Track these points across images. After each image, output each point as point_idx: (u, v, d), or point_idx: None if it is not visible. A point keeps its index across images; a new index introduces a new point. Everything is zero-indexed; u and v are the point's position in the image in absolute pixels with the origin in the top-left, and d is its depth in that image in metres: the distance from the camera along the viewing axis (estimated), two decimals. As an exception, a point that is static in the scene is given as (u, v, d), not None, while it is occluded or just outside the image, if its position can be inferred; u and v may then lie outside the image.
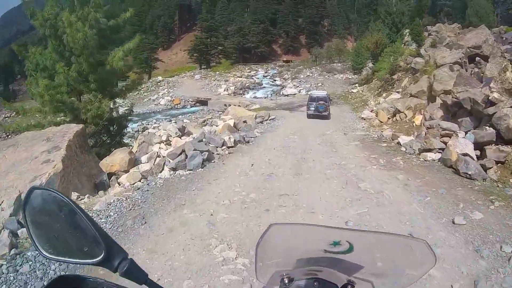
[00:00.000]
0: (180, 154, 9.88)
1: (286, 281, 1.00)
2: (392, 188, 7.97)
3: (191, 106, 45.61)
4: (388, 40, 43.47)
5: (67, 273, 4.09)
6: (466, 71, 19.47)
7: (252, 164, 10.03)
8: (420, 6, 69.92)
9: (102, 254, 0.86)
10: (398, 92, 27.67)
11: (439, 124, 12.50)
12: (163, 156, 11.03)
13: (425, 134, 12.87)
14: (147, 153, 11.77)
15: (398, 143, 13.61)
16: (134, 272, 0.88)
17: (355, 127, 19.49)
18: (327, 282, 0.97)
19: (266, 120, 20.69)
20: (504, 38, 27.12)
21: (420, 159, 10.89)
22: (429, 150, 11.27)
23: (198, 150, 9.73)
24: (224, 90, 50.46)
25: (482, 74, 18.65)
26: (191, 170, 9.28)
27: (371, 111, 24.60)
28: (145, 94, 56.14)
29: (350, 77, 53.89)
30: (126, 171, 10.34)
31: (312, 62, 73.21)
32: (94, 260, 0.87)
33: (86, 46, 13.96)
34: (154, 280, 0.92)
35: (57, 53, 15.05)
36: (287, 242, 1.04)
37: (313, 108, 22.80)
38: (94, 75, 14.71)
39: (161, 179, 8.76)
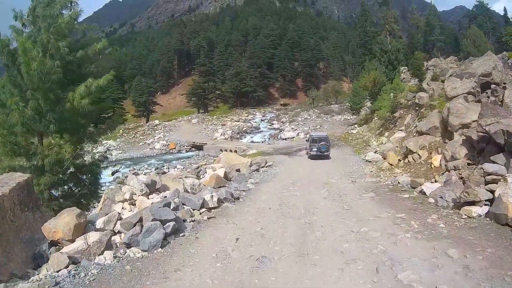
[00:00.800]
0: (136, 224, 6.88)
1: None
2: (450, 278, 5.02)
3: (187, 151, 42.94)
4: (386, 78, 41.97)
5: None
6: (481, 100, 17.08)
7: (238, 238, 7.03)
8: (413, 43, 69.34)
9: None
10: (401, 130, 25.57)
11: (481, 168, 9.64)
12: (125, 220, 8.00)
13: (462, 181, 9.98)
14: (106, 214, 8.70)
15: (422, 192, 10.74)
16: None
17: (362, 172, 16.73)
18: None
19: (262, 167, 17.87)
20: (510, 64, 25.09)
21: (463, 216, 7.95)
22: (472, 203, 8.30)
23: (159, 220, 6.63)
24: (221, 134, 47.96)
25: (500, 103, 16.24)
26: (145, 250, 6.21)
27: (375, 153, 22.29)
28: (141, 137, 53.79)
29: (348, 117, 51.97)
30: (72, 241, 7.33)
31: (310, 105, 71.59)
32: None
33: (43, 79, 11.28)
34: None
35: (15, 86, 12.33)
36: None
37: (315, 149, 22.75)
38: (54, 114, 11.87)
39: (98, 267, 5.69)
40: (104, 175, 33.96)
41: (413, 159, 15.97)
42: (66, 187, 14.34)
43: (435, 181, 11.78)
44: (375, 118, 39.25)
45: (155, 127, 58.56)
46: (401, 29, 58.41)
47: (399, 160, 16.89)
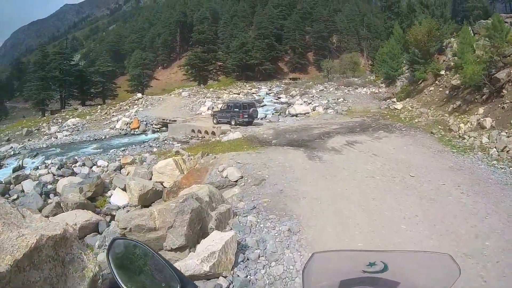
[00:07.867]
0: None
1: None
2: None
3: (154, 131, 26.62)
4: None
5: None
6: None
7: None
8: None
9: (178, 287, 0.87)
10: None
11: None
12: None
13: None
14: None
15: None
16: None
17: None
18: None
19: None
20: None
21: None
22: None
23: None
24: (208, 108, 31.31)
25: None
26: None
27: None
28: (114, 114, 37.63)
29: (376, 91, 35.18)
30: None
31: (324, 77, 54.28)
32: None
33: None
34: None
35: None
36: (329, 267, 1.03)
37: (246, 116, 20.13)
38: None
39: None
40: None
41: None
42: None
43: None
44: (431, 89, 23.05)
45: (136, 101, 41.98)
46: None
47: None
